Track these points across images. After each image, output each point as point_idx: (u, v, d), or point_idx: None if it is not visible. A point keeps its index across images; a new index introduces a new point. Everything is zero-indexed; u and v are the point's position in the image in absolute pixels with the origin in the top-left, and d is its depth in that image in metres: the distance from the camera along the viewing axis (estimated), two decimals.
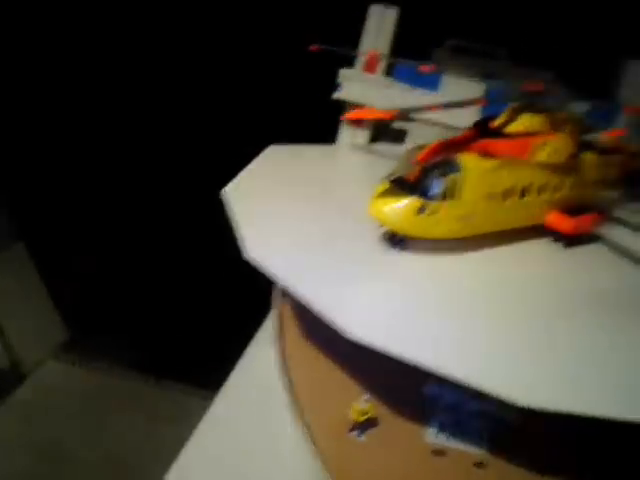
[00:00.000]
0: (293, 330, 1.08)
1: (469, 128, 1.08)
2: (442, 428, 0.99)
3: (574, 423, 0.76)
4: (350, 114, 0.97)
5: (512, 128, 1.06)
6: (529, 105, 1.08)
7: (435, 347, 0.79)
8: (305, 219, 1.04)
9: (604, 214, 1.29)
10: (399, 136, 1.90)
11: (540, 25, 2.50)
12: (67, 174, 2.62)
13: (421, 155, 0.98)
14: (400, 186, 0.96)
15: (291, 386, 1.01)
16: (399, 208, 0.94)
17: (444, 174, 0.96)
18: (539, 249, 1.13)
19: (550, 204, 1.11)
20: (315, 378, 1.02)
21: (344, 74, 1.86)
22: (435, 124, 1.53)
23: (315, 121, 2.06)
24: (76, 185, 2.64)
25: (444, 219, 0.96)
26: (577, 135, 1.10)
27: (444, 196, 0.96)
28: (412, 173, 0.98)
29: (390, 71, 1.92)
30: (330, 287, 0.87)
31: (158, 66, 2.50)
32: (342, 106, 1.98)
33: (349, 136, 1.96)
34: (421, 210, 0.95)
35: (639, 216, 1.33)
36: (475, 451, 0.98)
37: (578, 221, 1.13)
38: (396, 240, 1.00)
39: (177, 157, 2.57)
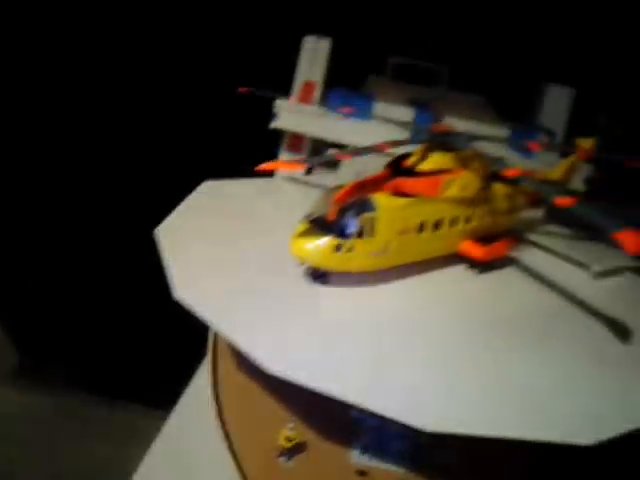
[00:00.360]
0: (227, 359, 1.14)
1: (383, 167, 1.15)
2: (365, 450, 1.06)
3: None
4: (263, 166, 1.03)
5: (423, 166, 1.15)
6: (439, 145, 1.16)
7: (347, 378, 0.86)
8: (235, 257, 1.11)
9: (517, 239, 1.39)
10: (334, 164, 1.98)
11: (475, 49, 2.63)
12: (14, 203, 2.63)
13: (338, 196, 1.05)
14: (319, 226, 1.03)
15: (221, 413, 1.07)
16: (318, 247, 1.02)
17: (359, 213, 1.04)
18: (455, 276, 1.21)
19: (463, 234, 1.20)
20: (245, 405, 1.09)
21: (279, 104, 1.94)
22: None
23: (255, 153, 2.13)
24: (23, 213, 2.66)
25: (359, 255, 1.04)
26: (484, 170, 1.18)
27: (360, 234, 1.03)
28: (330, 213, 1.05)
29: (324, 100, 2.00)
30: (253, 326, 0.93)
31: (93, 105, 2.54)
32: (280, 135, 2.06)
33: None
34: (338, 248, 1.02)
35: (550, 238, 1.44)
36: (396, 470, 1.05)
37: (490, 248, 1.22)
38: (317, 275, 1.07)
39: (118, 193, 2.60)
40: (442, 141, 1.16)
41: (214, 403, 1.08)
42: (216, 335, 1.15)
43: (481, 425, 0.81)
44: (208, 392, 1.11)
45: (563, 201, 0.97)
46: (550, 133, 1.98)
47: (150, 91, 2.49)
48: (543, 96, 2.07)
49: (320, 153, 2.12)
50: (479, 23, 2.60)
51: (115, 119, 2.52)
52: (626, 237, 0.86)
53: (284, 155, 2.07)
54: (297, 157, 2.06)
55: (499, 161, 1.18)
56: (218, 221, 1.25)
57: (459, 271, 1.23)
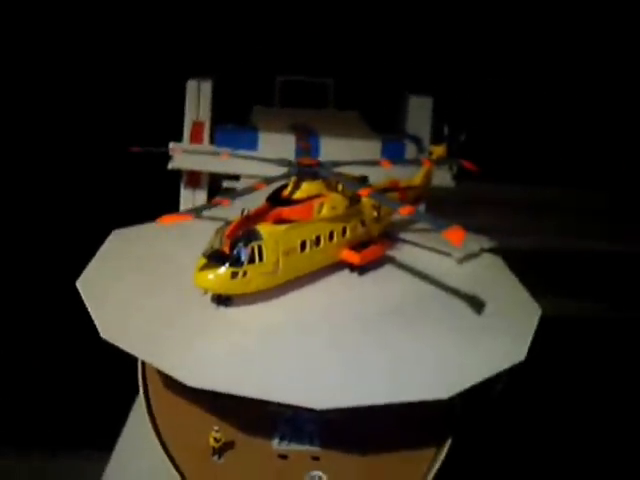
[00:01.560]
0: (155, 381, 1.33)
1: (265, 201, 1.37)
2: (283, 437, 1.28)
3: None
4: (161, 221, 1.22)
5: (297, 195, 1.37)
6: (307, 175, 1.39)
7: (253, 378, 1.08)
8: (150, 295, 1.30)
9: (390, 240, 1.64)
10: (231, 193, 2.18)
11: (350, 64, 2.89)
12: None
13: (228, 231, 1.26)
14: (216, 258, 1.24)
15: (155, 425, 1.26)
16: (217, 276, 1.22)
17: (248, 243, 1.25)
18: (340, 280, 1.44)
19: (341, 245, 1.43)
20: (176, 416, 1.28)
21: (173, 147, 2.13)
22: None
23: (159, 192, 2.31)
24: None
25: (254, 278, 1.25)
26: (348, 190, 1.42)
27: (251, 260, 1.25)
28: (225, 246, 1.26)
29: (213, 137, 2.21)
30: (171, 349, 1.13)
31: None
32: (180, 174, 2.25)
33: (189, 199, 2.24)
34: (234, 275, 1.23)
35: (418, 234, 1.69)
36: (311, 449, 1.27)
37: (365, 253, 1.46)
38: (221, 299, 1.28)
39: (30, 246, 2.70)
40: (310, 172, 1.39)
41: (149, 418, 1.27)
42: (143, 363, 1.34)
43: (357, 397, 1.04)
44: (143, 410, 1.29)
45: (405, 210, 1.21)
46: (417, 140, 2.26)
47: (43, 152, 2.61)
48: (407, 106, 2.35)
49: (218, 184, 2.33)
50: (355, 39, 2.88)
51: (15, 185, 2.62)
52: (451, 234, 1.11)
53: (185, 192, 2.27)
54: (197, 194, 2.26)
55: (357, 182, 1.42)
56: (131, 265, 1.43)
57: (343, 276, 1.46)
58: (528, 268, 1.59)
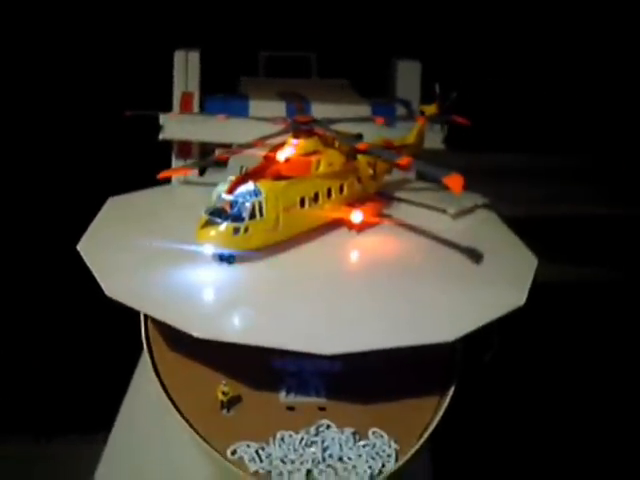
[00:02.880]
0: (159, 341, 1.34)
1: (262, 159, 1.38)
2: (289, 390, 1.29)
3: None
4: (162, 173, 1.23)
5: (295, 152, 1.38)
6: (304, 132, 1.40)
7: (260, 328, 1.09)
8: (152, 256, 1.30)
9: (387, 199, 1.65)
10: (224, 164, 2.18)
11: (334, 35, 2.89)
12: None
13: (228, 189, 1.27)
14: (218, 215, 1.25)
15: (162, 384, 1.27)
16: (219, 233, 1.23)
17: (249, 200, 1.26)
18: (339, 237, 1.46)
19: (339, 202, 1.44)
20: (183, 372, 1.29)
21: (164, 118, 2.12)
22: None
23: (151, 164, 2.31)
24: None
25: (255, 234, 1.26)
26: (344, 147, 1.43)
27: (252, 216, 1.26)
28: (225, 204, 1.27)
29: (203, 106, 2.20)
30: (176, 303, 1.14)
31: None
32: (170, 145, 2.24)
33: None
34: (236, 231, 1.24)
35: (415, 193, 1.71)
36: (317, 400, 1.29)
37: (362, 210, 1.47)
38: (224, 257, 1.28)
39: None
40: (306, 128, 1.39)
41: (156, 378, 1.28)
42: (147, 324, 1.34)
43: (363, 342, 1.06)
44: (150, 373, 1.30)
45: (403, 162, 1.23)
46: (407, 104, 2.26)
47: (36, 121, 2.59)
48: (396, 71, 2.35)
49: (209, 155, 2.32)
50: (337, 13, 2.86)
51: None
52: (451, 180, 1.12)
53: (176, 162, 2.26)
54: (188, 162, 2.25)
55: (353, 138, 1.43)
56: (129, 228, 1.44)
57: (342, 234, 1.47)
58: (522, 235, 1.61)
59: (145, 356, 1.32)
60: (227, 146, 2.17)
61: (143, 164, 2.46)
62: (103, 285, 1.19)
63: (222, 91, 2.36)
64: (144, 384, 1.40)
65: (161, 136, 2.13)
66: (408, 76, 2.33)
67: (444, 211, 1.62)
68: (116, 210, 1.55)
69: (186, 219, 1.29)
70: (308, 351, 1.06)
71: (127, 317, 1.28)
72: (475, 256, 1.39)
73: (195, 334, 1.07)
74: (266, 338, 1.07)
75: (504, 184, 3.17)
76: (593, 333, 2.73)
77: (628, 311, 2.85)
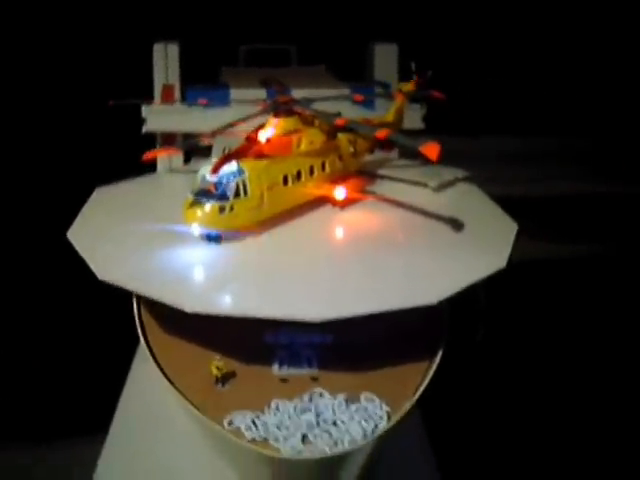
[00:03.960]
0: (152, 318, 1.37)
1: (245, 139, 1.41)
2: (282, 363, 1.32)
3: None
4: (147, 155, 1.26)
5: (275, 132, 1.41)
6: (284, 112, 1.43)
7: (249, 300, 1.13)
8: (139, 239, 1.33)
9: (368, 176, 1.69)
10: (208, 150, 2.20)
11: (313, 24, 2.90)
12: None
13: (212, 169, 1.30)
14: (203, 196, 1.28)
15: (159, 363, 1.30)
16: (205, 212, 1.26)
17: (233, 179, 1.29)
18: (324, 213, 1.49)
19: (322, 179, 1.48)
20: (178, 352, 1.32)
21: (146, 110, 2.13)
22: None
23: (136, 156, 2.32)
24: None
25: (241, 213, 1.29)
26: (324, 125, 1.46)
27: (237, 195, 1.29)
28: (210, 185, 1.30)
29: (184, 97, 2.21)
30: (167, 282, 1.17)
31: None
32: (154, 137, 2.26)
33: (165, 160, 2.24)
34: (222, 210, 1.27)
35: (396, 169, 1.74)
36: (310, 371, 1.32)
37: (345, 187, 1.50)
38: (211, 237, 1.31)
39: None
40: (286, 109, 1.42)
41: (152, 358, 1.31)
42: (140, 308, 1.37)
43: (351, 308, 1.10)
44: (145, 354, 1.33)
45: (380, 134, 1.26)
46: (385, 86, 2.29)
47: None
48: (373, 55, 2.38)
49: (193, 145, 2.34)
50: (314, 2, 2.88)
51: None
52: (427, 149, 1.16)
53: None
54: (172, 155, 2.27)
55: (331, 116, 1.46)
56: (117, 215, 1.47)
57: (326, 210, 1.50)
58: (519, 215, 1.64)
59: (140, 340, 1.35)
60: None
61: (129, 156, 2.49)
62: (95, 269, 1.21)
63: (203, 82, 2.37)
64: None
65: (144, 129, 2.14)
66: (385, 58, 2.36)
67: (425, 185, 1.66)
68: (104, 199, 1.58)
69: (172, 205, 1.32)
70: (297, 319, 1.09)
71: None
72: (457, 225, 1.43)
73: (187, 309, 1.10)
74: (256, 309, 1.10)
75: (501, 166, 3.21)
76: (588, 308, 2.76)
77: (623, 285, 2.88)
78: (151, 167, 2.27)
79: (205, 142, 1.35)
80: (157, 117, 2.13)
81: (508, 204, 1.66)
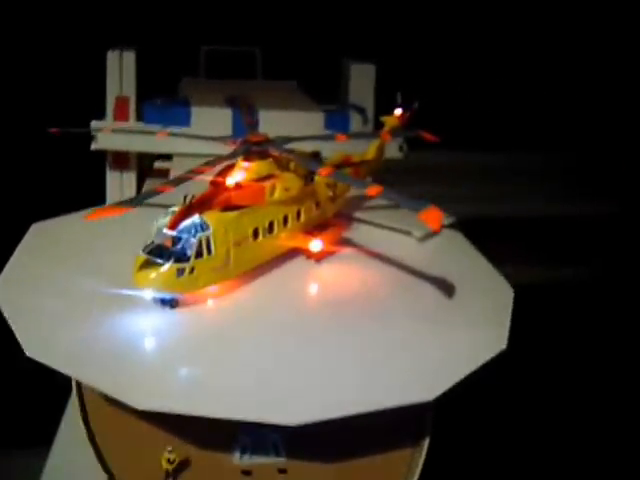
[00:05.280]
0: (93, 399, 1.16)
1: (209, 185, 1.21)
2: (245, 449, 1.13)
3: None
4: (91, 214, 1.05)
5: (246, 177, 1.22)
6: (256, 153, 1.23)
7: (208, 394, 0.93)
8: (79, 300, 1.12)
9: (347, 220, 1.51)
10: (166, 173, 1.99)
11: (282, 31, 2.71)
12: None
13: (170, 223, 1.09)
14: (158, 254, 1.07)
15: (97, 450, 1.10)
16: (160, 275, 1.06)
17: (194, 235, 1.09)
18: (297, 269, 1.30)
19: (296, 230, 1.29)
20: (122, 434, 1.12)
21: (95, 126, 1.91)
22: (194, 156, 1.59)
23: (81, 178, 2.10)
24: None
25: (202, 274, 1.09)
26: (301, 168, 1.28)
27: (199, 255, 1.09)
28: (167, 240, 1.09)
29: (140, 112, 2.00)
30: (111, 364, 0.97)
31: None
32: (104, 154, 2.04)
33: (116, 183, 2.03)
34: (180, 272, 1.07)
35: (376, 213, 1.57)
36: (277, 460, 1.14)
37: (322, 237, 1.32)
38: (166, 300, 1.11)
39: None
40: (259, 149, 1.23)
41: (90, 441, 1.10)
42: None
43: (333, 407, 0.91)
44: (82, 433, 1.12)
45: (372, 191, 1.08)
46: (361, 110, 2.12)
47: None
48: (349, 74, 2.20)
49: (148, 164, 2.13)
50: (283, 6, 2.69)
51: None
52: (428, 215, 0.98)
53: (111, 174, 2.06)
54: (125, 175, 2.06)
55: (311, 159, 1.28)
56: (55, 265, 1.25)
57: (299, 264, 1.32)
58: (489, 236, 1.51)
59: (75, 413, 1.14)
60: (167, 157, 2.01)
61: (72, 177, 2.25)
62: (22, 343, 1.00)
63: (161, 92, 2.16)
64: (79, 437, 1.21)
65: (93, 146, 1.93)
66: (362, 79, 2.19)
67: (409, 233, 1.49)
68: (40, 240, 1.36)
69: (123, 249, 1.11)
70: (266, 422, 0.90)
71: None
72: (446, 288, 1.26)
73: (135, 405, 0.90)
74: (217, 408, 0.91)
75: (471, 183, 3.08)
76: (576, 331, 2.63)
77: (611, 309, 2.76)
78: (99, 192, 2.07)
79: (162, 191, 1.14)
80: (108, 135, 1.92)
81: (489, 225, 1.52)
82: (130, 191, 2.03)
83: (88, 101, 2.07)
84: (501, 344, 1.10)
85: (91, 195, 1.89)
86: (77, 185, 2.02)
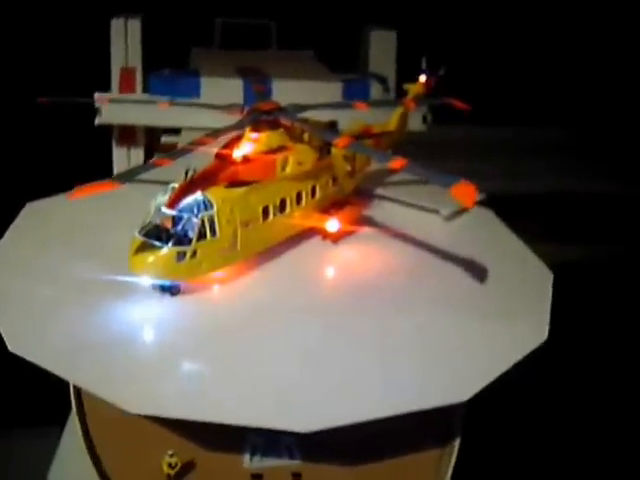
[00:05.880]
0: (91, 401, 1.05)
1: (214, 158, 1.09)
2: (255, 451, 1.03)
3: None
4: (72, 195, 0.93)
5: (255, 149, 1.09)
6: (266, 123, 1.11)
7: (213, 397, 0.82)
8: (71, 288, 1.01)
9: (366, 198, 1.38)
10: (174, 148, 1.87)
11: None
12: None
13: (169, 202, 0.98)
14: (156, 236, 0.96)
15: (95, 455, 0.99)
16: (159, 260, 0.94)
17: (196, 215, 0.97)
18: (313, 251, 1.18)
19: (310, 208, 1.17)
20: (121, 438, 1.02)
21: (100, 98, 1.80)
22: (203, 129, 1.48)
23: (86, 153, 1.99)
24: None
25: (206, 258, 0.98)
26: (316, 140, 1.15)
27: (201, 236, 0.97)
28: (166, 219, 0.98)
29: (146, 84, 1.88)
30: (105, 363, 0.86)
31: None
32: (109, 129, 1.92)
33: (123, 160, 1.92)
34: (180, 257, 0.95)
35: (400, 188, 1.44)
36: (290, 463, 1.03)
37: (339, 216, 1.19)
38: (166, 287, 1.00)
39: None
40: (269, 119, 1.10)
41: (86, 445, 1.00)
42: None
43: (351, 412, 0.80)
44: (78, 434, 1.02)
45: (396, 164, 0.95)
46: (382, 79, 1.98)
47: None
48: (369, 42, 2.06)
49: (156, 139, 2.01)
50: None
51: None
52: (460, 190, 0.85)
53: (117, 149, 1.95)
54: (133, 151, 1.95)
55: (327, 129, 1.15)
56: (49, 248, 1.14)
57: (315, 246, 1.20)
58: (518, 214, 1.38)
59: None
60: (175, 131, 1.89)
61: (78, 153, 2.14)
62: (6, 337, 0.89)
63: (170, 65, 2.04)
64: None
65: (97, 121, 1.82)
66: (383, 46, 2.05)
67: (437, 211, 1.36)
68: (34, 220, 1.26)
69: (123, 228, 1.00)
70: (278, 429, 0.79)
71: None
72: (478, 272, 1.13)
73: (130, 410, 0.79)
74: (220, 412, 0.80)
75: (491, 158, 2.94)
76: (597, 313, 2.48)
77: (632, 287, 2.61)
78: (107, 168, 1.96)
79: (161, 164, 1.01)
80: (113, 108, 1.80)
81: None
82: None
83: (94, 72, 1.96)
84: (541, 335, 0.98)
85: (97, 172, 1.78)
86: (83, 162, 1.90)
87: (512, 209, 1.44)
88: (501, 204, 1.45)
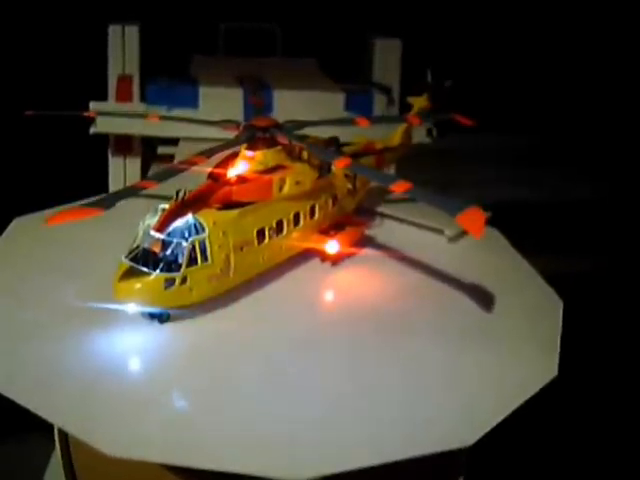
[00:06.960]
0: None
1: (207, 178, 1.03)
2: None
3: None
4: (50, 221, 0.87)
5: (250, 169, 1.04)
6: (263, 141, 1.05)
7: (199, 440, 0.76)
8: (53, 312, 0.96)
9: (367, 217, 1.33)
10: (171, 159, 1.83)
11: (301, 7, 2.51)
12: None
13: (158, 224, 0.92)
14: (144, 262, 0.91)
15: None
16: (146, 286, 0.89)
17: (187, 239, 0.92)
18: (311, 275, 1.13)
19: (309, 229, 1.11)
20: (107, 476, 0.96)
21: (95, 107, 1.75)
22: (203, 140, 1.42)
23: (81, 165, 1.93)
24: None
25: (196, 284, 0.92)
26: (316, 158, 1.09)
27: (192, 262, 0.91)
28: (154, 243, 0.92)
29: (144, 92, 1.83)
30: (79, 403, 0.80)
31: None
32: (106, 139, 1.88)
33: (119, 170, 1.87)
34: (169, 283, 0.90)
35: (402, 206, 1.38)
36: None
37: (339, 237, 1.14)
38: (154, 315, 0.95)
39: None
40: (266, 136, 1.05)
41: None
42: None
43: (349, 459, 0.74)
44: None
45: (399, 187, 0.89)
46: (385, 90, 1.93)
47: None
48: (373, 50, 2.01)
49: (154, 149, 1.96)
50: None
51: None
52: (467, 219, 0.80)
53: (113, 160, 1.91)
54: (129, 161, 1.90)
55: (328, 150, 1.10)
56: (32, 268, 1.09)
57: (313, 269, 1.14)
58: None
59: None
60: (172, 142, 1.84)
61: (73, 164, 2.09)
62: None
63: (172, 73, 1.99)
64: None
65: (92, 130, 1.77)
66: (387, 56, 2.00)
67: (441, 232, 1.30)
68: (21, 237, 1.20)
69: (114, 248, 0.95)
70: (267, 477, 0.73)
71: None
72: (485, 299, 1.08)
73: (107, 452, 0.73)
74: (206, 458, 0.74)
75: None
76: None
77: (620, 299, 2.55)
78: (103, 180, 1.91)
79: (145, 187, 0.95)
80: (109, 117, 1.75)
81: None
82: (134, 179, 1.87)
83: (91, 80, 1.91)
84: (552, 371, 0.92)
85: (93, 184, 1.73)
86: (78, 171, 1.85)
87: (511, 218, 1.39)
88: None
